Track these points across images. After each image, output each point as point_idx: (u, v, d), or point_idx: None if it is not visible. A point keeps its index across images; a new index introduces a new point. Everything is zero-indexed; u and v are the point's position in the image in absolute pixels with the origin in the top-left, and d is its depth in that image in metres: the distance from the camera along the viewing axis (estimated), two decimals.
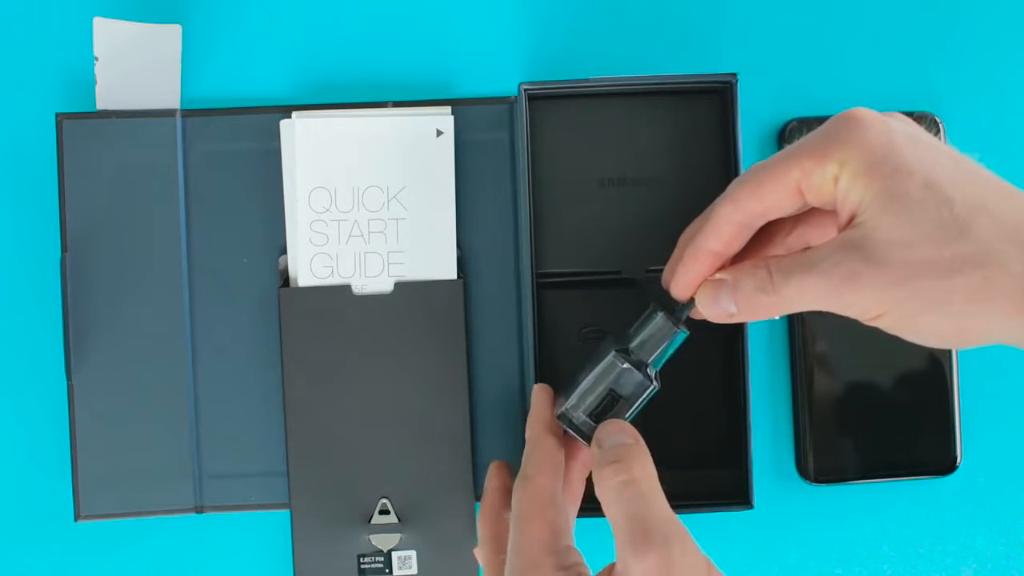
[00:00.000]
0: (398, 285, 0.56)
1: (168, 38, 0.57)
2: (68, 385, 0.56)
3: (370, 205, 0.56)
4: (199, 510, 0.56)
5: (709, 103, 0.54)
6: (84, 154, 0.56)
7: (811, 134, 0.42)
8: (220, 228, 0.56)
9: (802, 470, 0.58)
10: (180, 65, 0.57)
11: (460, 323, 0.55)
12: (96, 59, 0.57)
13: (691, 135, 0.54)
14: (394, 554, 0.55)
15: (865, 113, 0.40)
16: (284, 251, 0.56)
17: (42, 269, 0.57)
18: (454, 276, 0.56)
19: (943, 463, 0.57)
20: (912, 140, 0.40)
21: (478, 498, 0.55)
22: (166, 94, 0.57)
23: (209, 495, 0.56)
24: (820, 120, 0.57)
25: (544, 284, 0.54)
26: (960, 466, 0.57)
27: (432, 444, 0.55)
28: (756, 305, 0.42)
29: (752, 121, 0.57)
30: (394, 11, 0.58)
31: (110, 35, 0.57)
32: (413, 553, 0.55)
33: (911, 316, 0.39)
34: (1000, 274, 0.37)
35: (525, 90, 0.52)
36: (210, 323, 0.56)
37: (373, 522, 0.55)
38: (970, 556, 0.58)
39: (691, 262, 0.44)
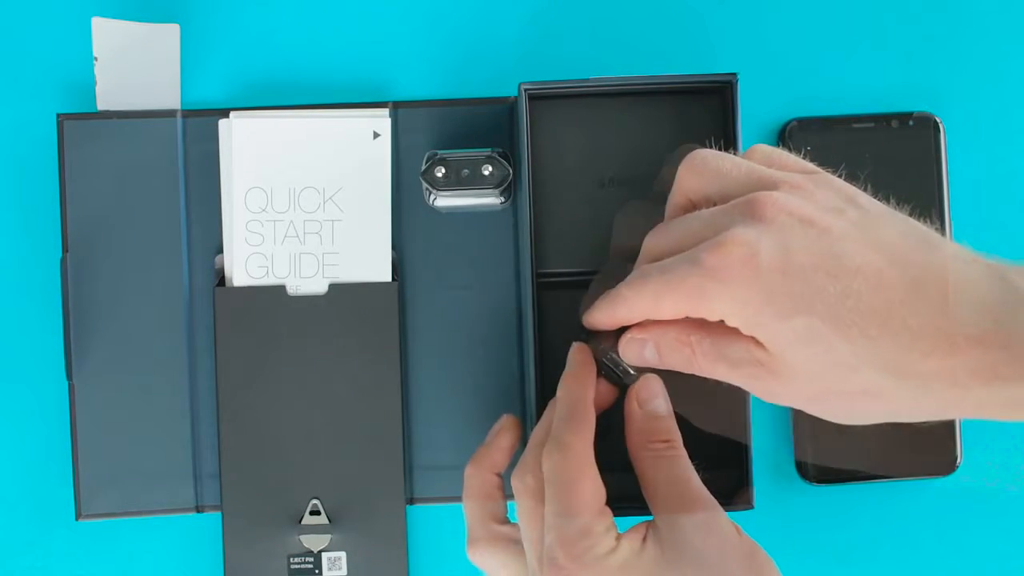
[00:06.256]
0: (332, 286, 0.55)
1: (167, 38, 0.57)
2: (68, 385, 0.56)
3: (306, 206, 0.56)
4: (199, 510, 0.57)
5: (709, 103, 0.54)
6: (85, 155, 0.56)
7: (681, 263, 0.41)
8: (220, 228, 0.56)
9: (802, 470, 0.58)
10: (180, 65, 0.57)
11: (394, 325, 0.55)
12: (96, 59, 0.57)
13: (691, 135, 0.54)
14: (324, 555, 0.55)
15: (733, 247, 0.40)
16: (221, 250, 0.56)
17: (42, 269, 0.57)
18: (388, 278, 0.56)
19: (943, 463, 0.57)
20: (782, 273, 0.39)
21: (409, 500, 0.56)
22: (166, 94, 0.57)
23: (209, 495, 0.56)
24: (820, 120, 0.57)
25: (544, 284, 0.54)
26: (960, 466, 0.57)
27: (364, 446, 0.55)
28: (676, 367, 0.44)
29: (752, 121, 0.57)
30: (394, 12, 0.58)
31: (109, 35, 0.57)
32: (343, 554, 0.55)
33: (818, 411, 0.42)
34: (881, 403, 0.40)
35: (525, 90, 0.52)
36: (210, 323, 0.56)
37: (304, 522, 0.55)
38: (970, 556, 0.58)
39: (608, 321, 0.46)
